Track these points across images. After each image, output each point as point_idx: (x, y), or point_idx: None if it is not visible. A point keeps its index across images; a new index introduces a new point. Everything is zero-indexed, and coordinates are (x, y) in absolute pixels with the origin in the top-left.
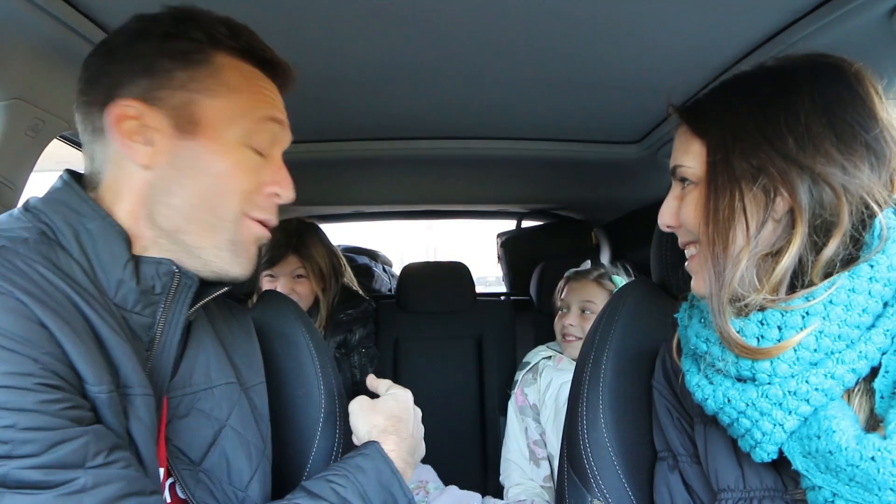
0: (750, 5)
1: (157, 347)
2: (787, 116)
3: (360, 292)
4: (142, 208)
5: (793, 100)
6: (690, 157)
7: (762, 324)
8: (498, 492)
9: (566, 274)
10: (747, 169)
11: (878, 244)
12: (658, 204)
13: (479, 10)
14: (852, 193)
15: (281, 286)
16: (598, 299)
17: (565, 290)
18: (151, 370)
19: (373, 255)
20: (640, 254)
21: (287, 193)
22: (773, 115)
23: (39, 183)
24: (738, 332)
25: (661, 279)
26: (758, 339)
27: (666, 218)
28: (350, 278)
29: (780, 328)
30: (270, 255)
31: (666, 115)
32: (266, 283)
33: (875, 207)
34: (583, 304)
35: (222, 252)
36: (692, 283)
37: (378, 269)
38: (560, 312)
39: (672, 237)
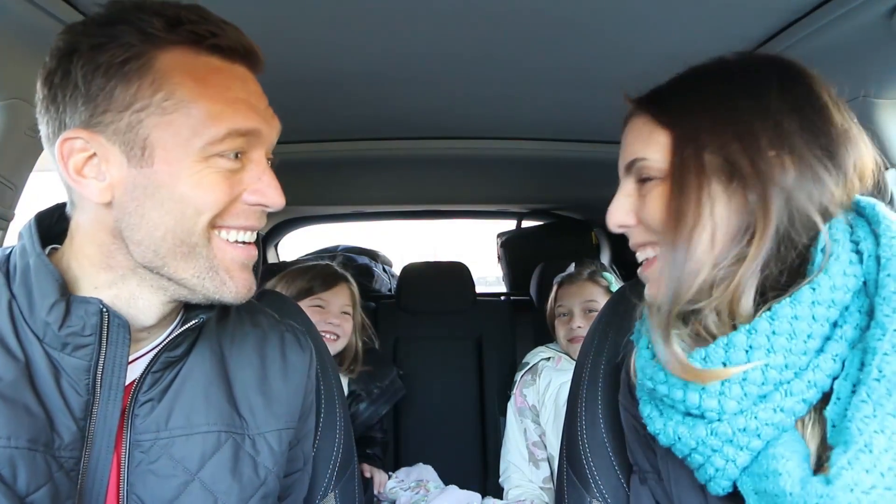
0: (750, 5)
1: (101, 392)
2: (759, 111)
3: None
4: (113, 244)
5: (763, 95)
6: (654, 149)
7: (705, 360)
8: (498, 492)
9: (556, 280)
10: (721, 165)
11: (823, 260)
12: None
13: (480, 9)
14: (815, 201)
15: (333, 315)
16: (598, 296)
17: (561, 295)
18: (97, 415)
19: (373, 255)
20: None
21: (271, 199)
22: (745, 108)
23: (39, 183)
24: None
25: None
26: None
27: (620, 217)
28: (371, 336)
29: (724, 364)
30: (323, 279)
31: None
32: (314, 313)
33: (819, 219)
34: (584, 304)
35: (205, 281)
36: (647, 289)
37: (378, 269)
38: (560, 318)
39: None
